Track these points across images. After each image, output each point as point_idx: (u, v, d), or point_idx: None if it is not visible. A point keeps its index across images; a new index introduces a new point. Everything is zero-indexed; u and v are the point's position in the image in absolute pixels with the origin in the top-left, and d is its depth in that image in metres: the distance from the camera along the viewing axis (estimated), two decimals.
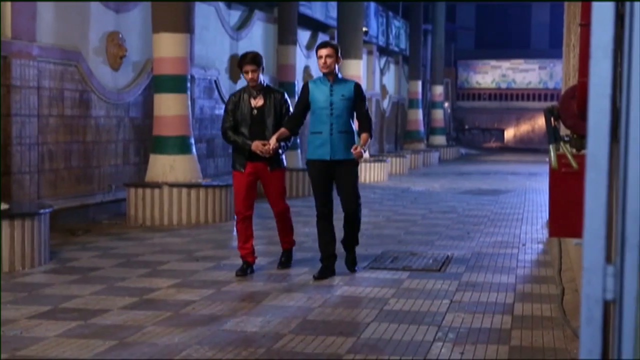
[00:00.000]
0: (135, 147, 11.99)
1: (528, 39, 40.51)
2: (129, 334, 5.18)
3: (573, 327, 5.24)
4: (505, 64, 40.26)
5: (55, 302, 6.05)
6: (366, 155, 18.55)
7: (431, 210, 12.59)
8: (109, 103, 11.31)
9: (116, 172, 11.52)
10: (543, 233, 10.10)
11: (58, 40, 10.32)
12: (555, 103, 4.39)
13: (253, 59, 7.06)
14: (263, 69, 7.14)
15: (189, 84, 11.19)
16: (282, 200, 7.32)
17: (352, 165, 7.06)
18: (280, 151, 7.11)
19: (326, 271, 7.08)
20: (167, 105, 10.86)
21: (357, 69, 18.63)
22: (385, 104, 27.35)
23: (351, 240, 7.34)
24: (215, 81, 14.41)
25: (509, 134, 40.04)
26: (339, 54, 7.03)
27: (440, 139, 30.53)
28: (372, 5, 25.32)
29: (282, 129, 7.03)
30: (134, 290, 6.49)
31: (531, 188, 16.89)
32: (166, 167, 10.63)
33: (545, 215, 11.63)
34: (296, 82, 16.52)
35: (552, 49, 37.68)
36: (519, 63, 40.01)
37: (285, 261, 7.55)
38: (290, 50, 16.21)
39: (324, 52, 6.93)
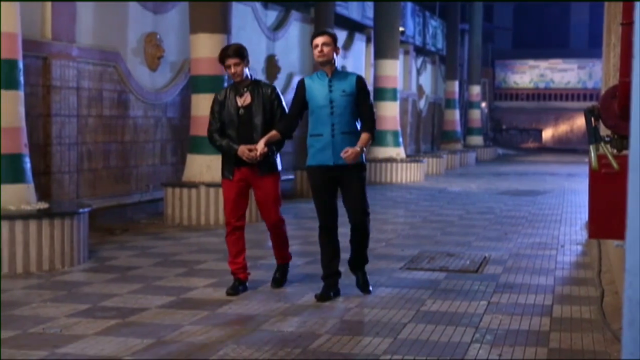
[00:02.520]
0: (172, 147, 12.07)
1: (567, 38, 40.11)
2: (167, 333, 5.22)
3: (613, 330, 5.17)
4: (544, 64, 39.90)
5: (94, 301, 6.12)
6: (402, 155, 18.51)
7: (468, 211, 12.51)
8: (146, 103, 11.40)
9: (153, 172, 11.61)
10: (582, 234, 9.98)
11: (97, 41, 10.43)
12: (595, 103, 4.34)
13: (235, 51, 6.30)
14: (248, 62, 6.39)
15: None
16: (275, 210, 6.46)
17: (359, 170, 6.24)
18: (270, 154, 6.32)
19: (329, 290, 6.28)
20: (204, 106, 10.87)
21: (393, 69, 18.59)
22: (422, 104, 27.25)
23: (360, 258, 6.50)
24: None
25: (547, 134, 39.68)
26: (337, 45, 6.29)
27: (477, 139, 30.33)
28: (409, 5, 25.24)
29: (273, 132, 6.26)
30: (171, 290, 6.54)
31: (570, 189, 16.71)
32: (203, 167, 10.68)
33: (584, 216, 11.51)
34: None
35: (591, 49, 37.29)
36: (558, 63, 39.63)
37: (280, 277, 6.72)
38: None
39: (319, 40, 6.15)
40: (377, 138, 18.36)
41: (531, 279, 7.13)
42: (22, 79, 7.66)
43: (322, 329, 5.35)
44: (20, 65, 7.62)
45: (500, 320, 5.62)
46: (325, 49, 6.13)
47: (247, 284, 6.51)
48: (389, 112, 18.58)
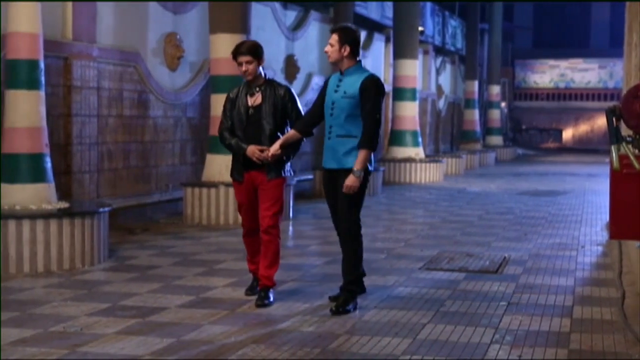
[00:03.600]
0: (192, 147, 12.11)
1: (587, 37, 39.87)
2: (186, 332, 5.23)
3: (634, 331, 5.14)
4: (564, 64, 39.67)
5: (114, 300, 6.14)
6: (421, 155, 18.45)
7: (487, 211, 12.47)
8: (166, 103, 11.44)
9: (173, 172, 11.65)
10: (603, 235, 9.92)
11: (117, 42, 10.48)
12: (616, 103, 4.31)
13: (249, 49, 5.98)
14: (262, 60, 6.07)
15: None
16: (272, 211, 5.97)
17: (347, 177, 5.70)
18: (284, 159, 5.99)
19: (339, 307, 5.75)
20: None
21: (413, 69, 18.54)
22: (441, 103, 27.18)
23: (345, 273, 5.89)
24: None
25: (567, 134, 39.45)
26: (348, 42, 5.74)
27: (496, 139, 30.20)
28: (428, 4, 25.18)
29: (292, 131, 5.95)
30: (191, 289, 6.55)
31: (590, 189, 16.61)
32: (222, 166, 10.69)
33: (604, 217, 11.44)
34: None
35: (612, 48, 37.03)
36: (578, 62, 39.39)
37: (262, 298, 6.00)
38: None
39: (330, 40, 5.82)
40: (396, 138, 18.54)
41: (551, 280, 7.09)
42: (43, 79, 7.71)
43: (341, 329, 5.34)
44: (42, 65, 7.67)
45: (520, 321, 5.60)
46: (329, 49, 5.79)
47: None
48: (408, 112, 18.54)
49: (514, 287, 6.74)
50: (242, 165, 6.01)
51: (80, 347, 4.87)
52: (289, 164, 6.11)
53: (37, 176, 7.58)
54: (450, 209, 12.77)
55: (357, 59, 5.82)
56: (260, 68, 6.06)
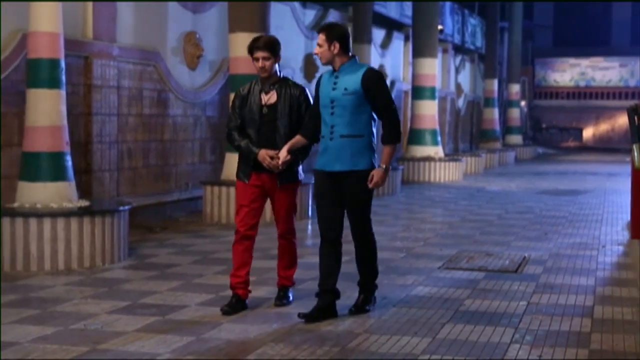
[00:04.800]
0: (211, 146, 12.14)
1: (608, 36, 39.59)
2: (206, 330, 5.25)
3: None
4: (584, 62, 39.41)
5: (134, 298, 6.17)
6: (440, 154, 18.40)
7: (507, 211, 12.41)
8: (186, 102, 11.48)
9: (193, 170, 11.68)
10: (624, 235, 9.85)
11: (137, 41, 10.52)
12: (638, 101, 4.29)
13: (266, 44, 5.68)
14: (279, 57, 5.77)
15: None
16: (288, 219, 5.85)
17: (360, 178, 5.49)
18: (293, 163, 5.72)
19: (318, 311, 5.50)
20: None
21: (432, 68, 18.49)
22: (461, 102, 27.09)
23: (363, 275, 5.80)
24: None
25: (588, 133, 39.21)
26: (337, 38, 5.47)
27: (516, 138, 30.07)
28: (448, 3, 25.10)
29: (297, 137, 5.64)
30: (211, 287, 6.57)
31: (611, 188, 16.50)
32: None
33: (625, 216, 11.35)
34: None
35: (633, 46, 36.81)
36: (599, 61, 39.12)
37: (281, 297, 5.96)
38: (364, 49, 16.16)
39: (317, 41, 5.57)
40: (415, 137, 18.51)
41: (572, 280, 7.05)
42: (64, 78, 7.76)
43: (361, 328, 5.34)
44: (62, 64, 7.72)
45: (540, 321, 5.57)
46: (318, 50, 5.52)
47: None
48: (428, 111, 18.50)
49: (534, 287, 6.71)
50: (251, 168, 5.71)
51: (100, 345, 4.90)
52: (300, 167, 5.85)
53: (58, 175, 7.63)
54: (470, 208, 12.73)
55: (350, 54, 5.54)
56: (277, 65, 5.78)
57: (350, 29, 16.77)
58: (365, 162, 5.52)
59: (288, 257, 5.95)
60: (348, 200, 5.54)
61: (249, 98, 5.77)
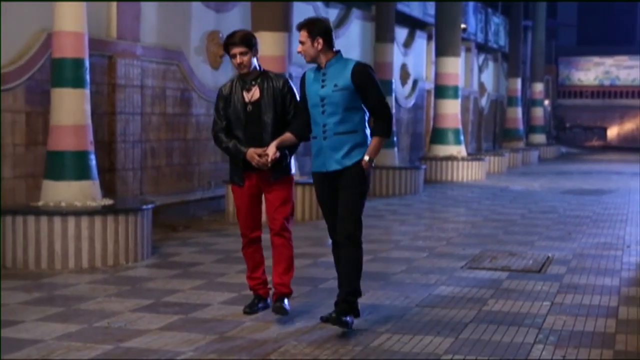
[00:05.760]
0: None
1: (633, 34, 39.27)
2: (229, 328, 5.26)
3: None
4: (609, 61, 39.12)
5: (157, 296, 6.20)
6: (463, 153, 18.33)
7: (530, 210, 12.35)
8: (209, 101, 11.51)
9: (215, 169, 11.72)
10: None
11: (161, 40, 10.57)
12: None
13: (242, 39, 5.44)
14: (257, 51, 5.52)
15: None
16: (282, 214, 5.56)
17: (353, 173, 5.22)
18: (282, 158, 5.49)
19: (339, 317, 5.10)
20: None
21: (455, 67, 18.44)
22: (484, 101, 26.97)
23: (343, 283, 5.27)
24: None
25: (612, 132, 38.91)
26: (320, 34, 5.20)
27: (540, 138, 29.91)
28: (471, 2, 24.99)
29: (287, 134, 5.42)
30: (233, 286, 6.59)
31: (636, 188, 16.35)
32: None
33: None
34: (393, 81, 16.44)
35: None
36: (624, 59, 38.82)
37: (277, 307, 5.52)
38: (387, 48, 16.14)
39: (299, 38, 5.30)
40: (438, 136, 18.45)
41: (596, 280, 7.00)
42: (88, 77, 7.81)
43: (383, 327, 5.33)
44: (87, 64, 7.77)
45: (564, 321, 5.53)
46: (301, 48, 5.26)
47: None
48: (450, 110, 18.45)
49: (557, 287, 6.67)
50: (241, 169, 5.52)
51: (124, 343, 4.93)
52: (292, 160, 5.67)
53: (82, 173, 7.68)
54: (493, 208, 12.67)
55: (334, 49, 5.27)
56: (255, 60, 5.52)
57: (373, 28, 16.76)
58: (358, 156, 5.22)
59: (285, 259, 5.60)
60: (341, 197, 5.26)
61: (231, 98, 5.55)
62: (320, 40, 5.20)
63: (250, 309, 5.69)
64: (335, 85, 5.18)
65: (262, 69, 5.58)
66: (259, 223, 5.72)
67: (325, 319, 5.16)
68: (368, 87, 5.19)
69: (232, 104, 5.53)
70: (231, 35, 5.51)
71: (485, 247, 8.68)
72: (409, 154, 19.67)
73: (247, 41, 5.45)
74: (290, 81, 5.61)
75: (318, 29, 5.21)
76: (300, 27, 5.26)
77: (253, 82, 5.52)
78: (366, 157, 5.19)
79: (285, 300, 5.57)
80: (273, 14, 10.83)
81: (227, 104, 5.56)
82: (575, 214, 11.86)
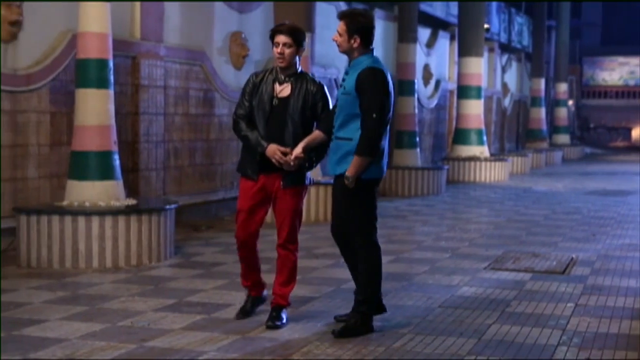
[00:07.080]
0: None
1: None
2: (251, 328, 5.27)
3: None
4: (634, 61, 38.82)
5: (180, 296, 6.22)
6: (486, 153, 18.24)
7: (554, 211, 12.27)
8: (231, 102, 11.52)
9: None
10: None
11: (184, 41, 10.61)
12: None
13: (290, 30, 5.16)
14: (303, 49, 5.20)
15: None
16: (291, 227, 5.32)
17: (339, 183, 5.07)
18: (307, 165, 5.22)
19: (355, 324, 5.10)
20: None
21: (478, 67, 18.37)
22: (507, 102, 26.84)
23: (358, 288, 5.26)
24: (334, 80, 14.47)
25: (637, 132, 38.59)
26: (358, 32, 5.00)
27: (563, 138, 29.71)
28: (494, 2, 24.88)
29: (316, 132, 5.19)
30: None
31: None
32: None
33: None
34: (415, 81, 16.40)
35: None
36: None
37: (274, 318, 5.34)
38: (410, 48, 16.10)
39: (337, 29, 5.09)
40: (460, 136, 18.40)
41: (620, 281, 6.95)
42: (112, 78, 7.85)
43: (406, 328, 5.32)
44: (111, 64, 7.81)
45: (589, 323, 5.50)
46: (337, 38, 5.06)
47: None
48: (473, 110, 18.38)
49: (581, 289, 6.62)
50: (257, 164, 5.22)
51: (147, 342, 4.95)
52: (309, 172, 5.34)
53: (106, 173, 7.72)
54: (516, 209, 12.61)
55: (370, 47, 5.07)
56: (297, 58, 5.25)
57: (395, 28, 16.71)
58: (347, 166, 4.99)
59: (287, 272, 5.37)
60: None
61: (261, 86, 5.24)
62: (358, 39, 5.01)
63: (242, 313, 5.56)
64: (345, 88, 5.03)
65: (301, 70, 5.32)
66: (256, 232, 5.43)
67: (338, 320, 5.30)
68: (363, 92, 4.92)
69: (259, 93, 5.23)
70: (281, 24, 5.29)
71: (508, 248, 8.64)
72: (432, 155, 19.61)
73: (295, 34, 5.16)
74: (325, 88, 5.33)
75: (357, 26, 5.00)
76: (341, 17, 5.07)
77: (287, 78, 5.23)
78: (347, 174, 4.96)
79: (283, 313, 5.39)
80: (296, 15, 10.81)
81: (255, 91, 5.25)
82: (599, 215, 11.77)
